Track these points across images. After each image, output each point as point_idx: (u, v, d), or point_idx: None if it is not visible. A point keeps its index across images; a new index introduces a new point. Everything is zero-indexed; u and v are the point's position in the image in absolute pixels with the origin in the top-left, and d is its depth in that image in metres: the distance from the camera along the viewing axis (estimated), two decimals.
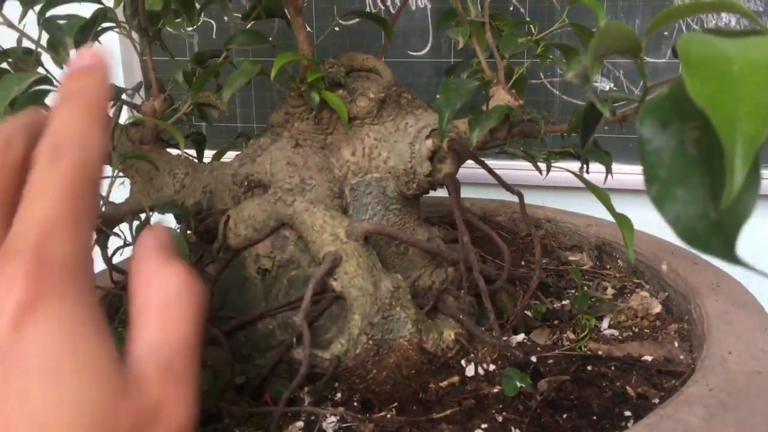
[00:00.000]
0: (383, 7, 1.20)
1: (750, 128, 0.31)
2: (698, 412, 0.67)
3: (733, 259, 0.34)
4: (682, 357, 0.85)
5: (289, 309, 0.76)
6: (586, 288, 1.02)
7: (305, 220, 0.75)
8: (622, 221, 0.77)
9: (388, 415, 0.76)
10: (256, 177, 0.78)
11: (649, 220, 1.06)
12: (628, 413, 0.76)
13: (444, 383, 0.79)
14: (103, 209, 0.77)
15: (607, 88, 1.27)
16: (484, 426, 0.75)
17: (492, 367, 0.81)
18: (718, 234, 0.34)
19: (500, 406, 0.77)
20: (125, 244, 0.79)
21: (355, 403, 0.77)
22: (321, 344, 0.75)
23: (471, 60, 0.90)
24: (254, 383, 0.75)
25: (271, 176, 0.78)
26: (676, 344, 0.89)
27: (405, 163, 0.79)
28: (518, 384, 0.71)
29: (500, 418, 0.76)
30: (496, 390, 0.78)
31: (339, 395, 0.76)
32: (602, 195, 0.77)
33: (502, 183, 0.81)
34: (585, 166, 0.71)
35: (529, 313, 0.94)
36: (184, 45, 1.36)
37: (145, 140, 0.80)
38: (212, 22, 1.33)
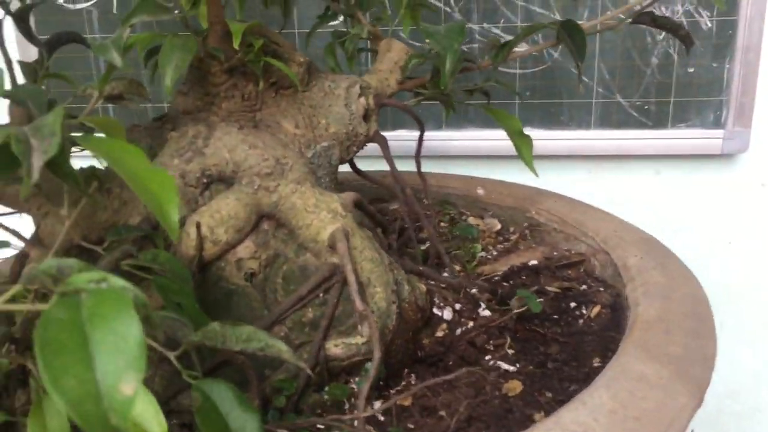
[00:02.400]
0: None
1: None
2: (655, 272, 0.81)
3: None
4: (555, 253, 1.00)
5: (300, 307, 0.67)
6: (450, 224, 1.08)
7: (295, 203, 0.66)
8: (522, 141, 0.86)
9: (413, 381, 0.73)
10: (215, 170, 0.66)
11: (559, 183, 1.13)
12: (573, 304, 0.87)
13: (440, 333, 0.78)
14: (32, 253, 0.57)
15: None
16: (488, 357, 0.78)
17: (458, 306, 0.83)
18: None
19: (485, 336, 0.80)
20: None
21: (381, 382, 0.72)
22: (346, 331, 0.68)
23: (326, 18, 0.87)
24: (293, 399, 0.65)
25: (235, 165, 0.66)
26: (537, 246, 1.02)
27: (346, 126, 0.75)
28: (539, 301, 0.76)
29: (492, 346, 0.80)
30: (473, 325, 0.81)
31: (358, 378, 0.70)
32: (509, 120, 0.84)
33: (418, 121, 0.83)
34: (579, 79, 0.78)
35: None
36: (82, 21, 0.95)
37: None
38: None
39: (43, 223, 0.60)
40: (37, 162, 0.40)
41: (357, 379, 0.68)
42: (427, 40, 0.66)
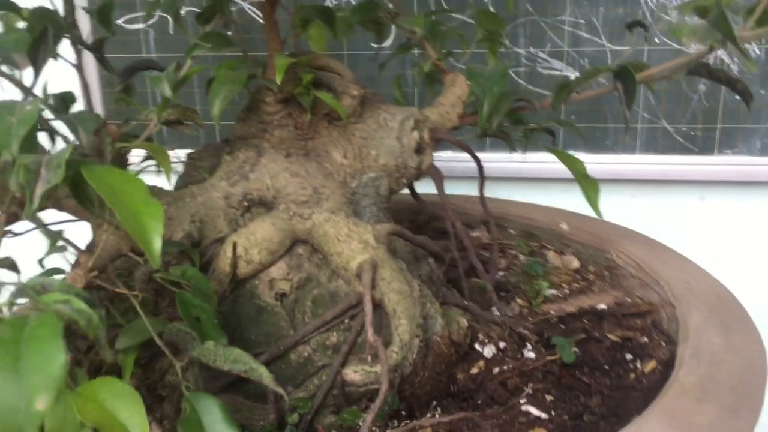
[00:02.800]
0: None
1: None
2: (714, 333, 0.76)
3: None
4: (628, 299, 0.96)
5: (324, 330, 0.70)
6: (530, 256, 1.08)
7: (328, 232, 0.69)
8: (588, 183, 0.84)
9: (436, 415, 0.74)
10: (256, 195, 0.70)
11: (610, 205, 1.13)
12: (629, 356, 0.83)
13: (474, 370, 0.79)
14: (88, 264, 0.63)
15: (572, 77, 1.27)
16: (523, 401, 0.77)
17: (502, 344, 0.83)
18: None
19: (525, 379, 0.79)
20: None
21: (402, 412, 0.74)
22: (367, 359, 0.70)
23: (403, 50, 0.90)
24: (306, 418, 0.68)
25: (275, 191, 0.70)
26: (611, 290, 0.99)
27: (396, 159, 0.77)
28: (573, 350, 0.74)
29: (530, 390, 0.78)
30: (512, 366, 0.81)
31: (386, 407, 0.72)
32: (574, 161, 0.83)
33: (475, 158, 0.83)
34: (627, 126, 0.77)
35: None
36: (139, 42, 1.11)
37: None
38: (168, 17, 1.11)
39: (98, 232, 0.68)
40: (39, 190, 0.45)
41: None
42: (468, 82, 0.67)
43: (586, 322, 0.91)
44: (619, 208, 1.07)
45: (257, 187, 0.71)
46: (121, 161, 0.67)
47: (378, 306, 0.71)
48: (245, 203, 0.70)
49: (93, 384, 0.54)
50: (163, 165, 0.65)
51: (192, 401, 0.54)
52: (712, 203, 1.35)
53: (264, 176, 0.71)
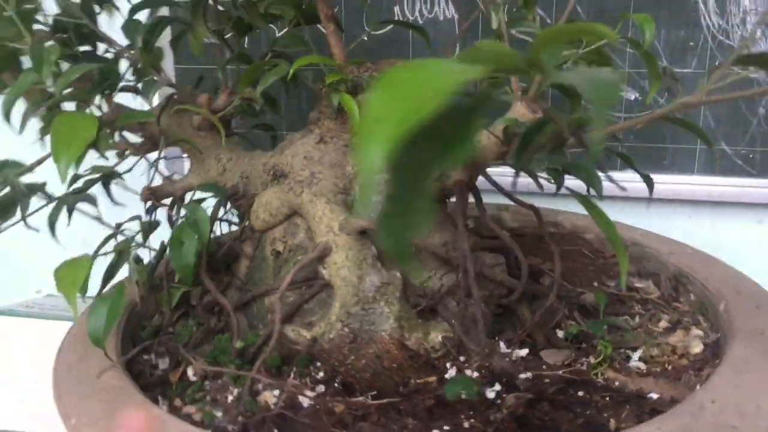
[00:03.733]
0: (411, 17, 1.20)
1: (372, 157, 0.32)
2: None
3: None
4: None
5: (288, 289, 0.84)
6: (637, 317, 0.97)
7: (309, 211, 0.82)
8: (622, 252, 0.74)
9: (363, 399, 0.81)
10: (280, 167, 0.87)
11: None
12: None
13: (421, 381, 0.82)
14: (154, 184, 0.90)
15: (633, 98, 1.23)
16: (446, 428, 0.77)
17: (475, 374, 0.82)
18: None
19: (471, 412, 0.78)
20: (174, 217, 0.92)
21: (336, 384, 0.83)
22: (306, 325, 0.82)
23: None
24: (251, 351, 0.84)
25: (290, 167, 0.86)
26: (691, 388, 0.82)
27: None
28: (461, 392, 0.73)
29: (466, 424, 0.78)
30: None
31: (322, 374, 0.83)
32: (608, 224, 0.74)
33: (512, 197, 0.82)
34: (515, 177, 0.72)
35: (560, 332, 0.93)
36: (215, 52, 1.44)
37: (203, 127, 0.92)
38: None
39: (191, 168, 0.94)
40: (26, 121, 0.74)
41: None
42: None
43: (606, 399, 0.80)
44: (674, 229, 1.06)
45: (283, 162, 0.87)
46: (210, 123, 0.91)
47: (329, 285, 0.81)
48: (272, 172, 0.87)
49: (79, 257, 0.82)
50: (218, 128, 0.87)
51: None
52: None
53: (290, 154, 0.86)
